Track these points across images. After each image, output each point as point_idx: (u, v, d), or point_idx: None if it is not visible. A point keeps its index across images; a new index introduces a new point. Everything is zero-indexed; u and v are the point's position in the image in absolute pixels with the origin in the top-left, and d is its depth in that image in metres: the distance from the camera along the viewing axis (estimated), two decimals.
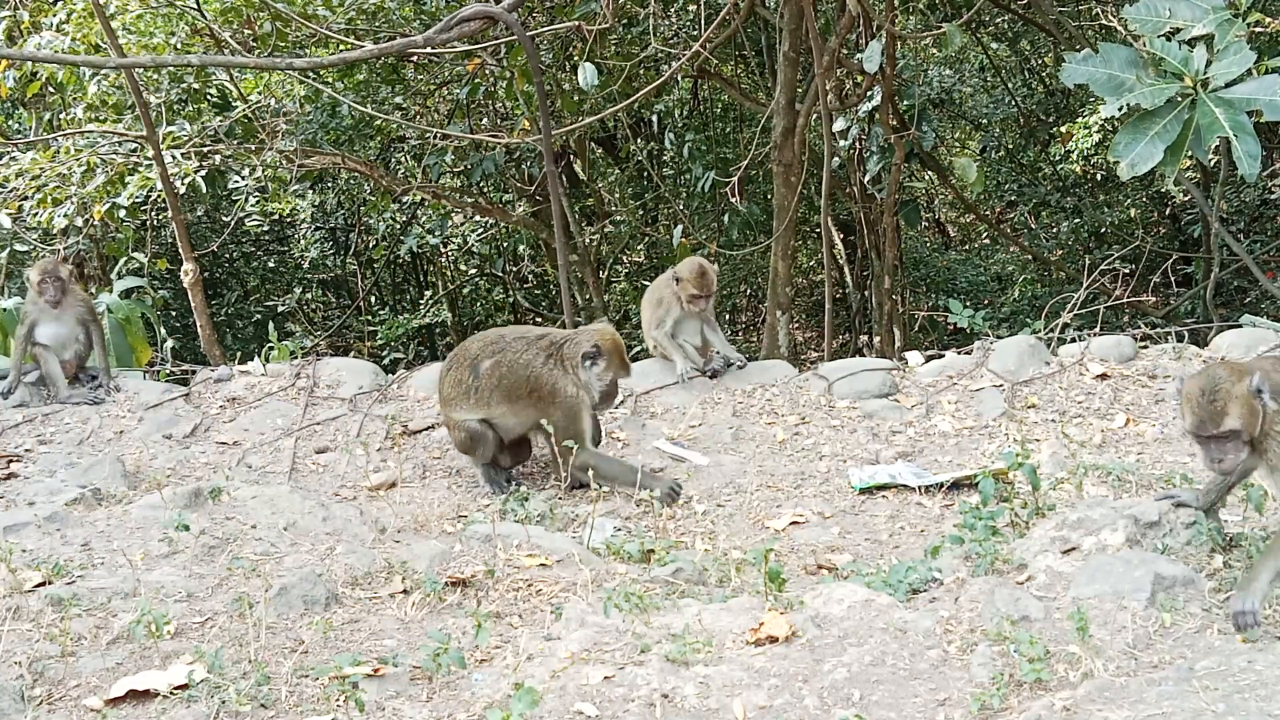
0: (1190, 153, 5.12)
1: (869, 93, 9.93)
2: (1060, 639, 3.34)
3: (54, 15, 9.80)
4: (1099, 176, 11.98)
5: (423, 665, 3.55)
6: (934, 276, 13.20)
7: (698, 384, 6.77)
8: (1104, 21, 8.12)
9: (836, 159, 10.20)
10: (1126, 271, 10.36)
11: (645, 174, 11.97)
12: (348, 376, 7.02)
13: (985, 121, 13.31)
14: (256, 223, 13.06)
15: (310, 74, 9.53)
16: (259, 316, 13.74)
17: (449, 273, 14.35)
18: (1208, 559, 3.79)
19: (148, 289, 9.75)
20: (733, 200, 9.40)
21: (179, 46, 9.53)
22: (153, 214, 10.70)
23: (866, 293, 12.44)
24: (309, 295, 14.76)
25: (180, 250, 9.71)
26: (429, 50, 8.15)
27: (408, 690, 3.47)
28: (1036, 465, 4.46)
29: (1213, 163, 9.51)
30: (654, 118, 12.02)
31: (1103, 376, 6.41)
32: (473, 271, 14.52)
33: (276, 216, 13.20)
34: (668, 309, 6.83)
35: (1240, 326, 7.06)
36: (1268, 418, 3.48)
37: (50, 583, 4.07)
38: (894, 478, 5.65)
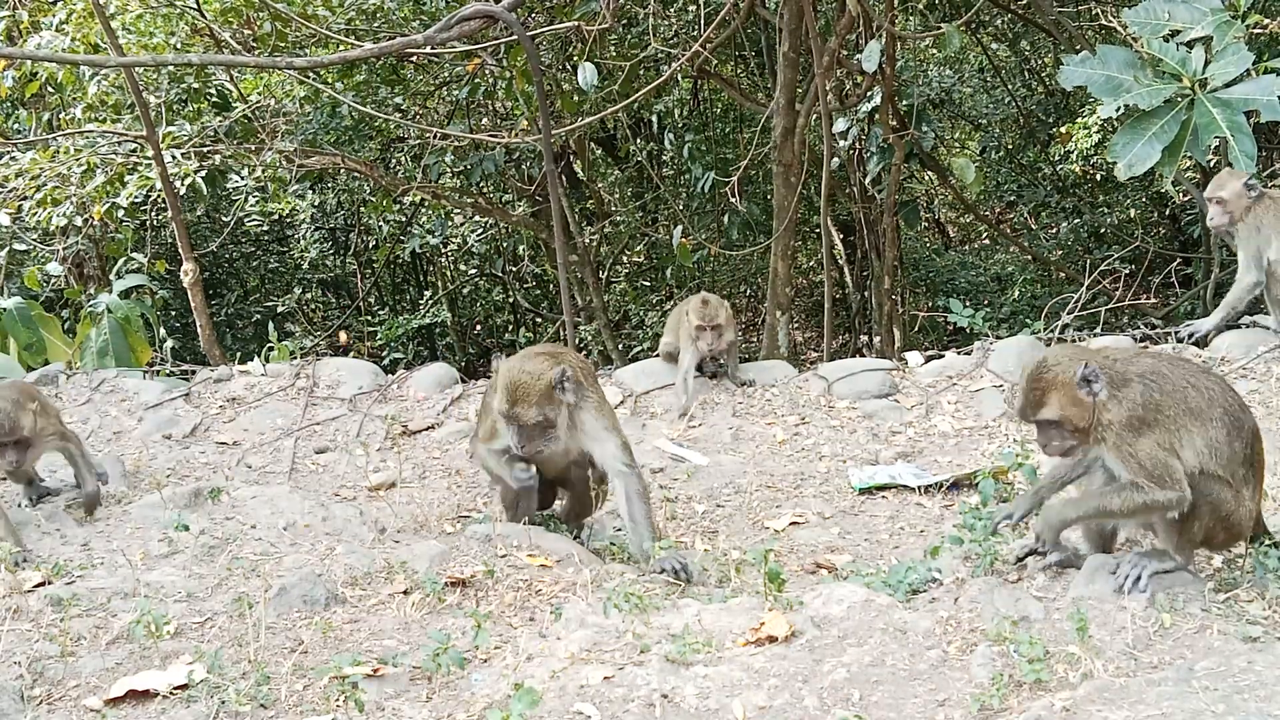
0: (1189, 153, 5.14)
1: (869, 93, 9.93)
2: (1060, 639, 3.35)
3: (54, 15, 9.79)
4: (1099, 177, 11.96)
5: (422, 665, 3.55)
6: (934, 277, 13.20)
7: (698, 384, 6.77)
8: (1104, 22, 8.12)
9: (836, 159, 10.20)
10: (1126, 272, 10.35)
11: (645, 174, 11.97)
12: (347, 377, 7.02)
13: (985, 122, 13.30)
14: (256, 223, 13.06)
15: (310, 74, 9.53)
16: (259, 316, 13.73)
17: (449, 273, 14.34)
18: (1208, 559, 3.79)
19: (148, 289, 9.74)
20: (732, 200, 9.40)
21: (179, 46, 9.53)
22: (152, 214, 10.69)
23: (866, 293, 12.44)
24: (309, 295, 14.75)
25: (180, 250, 9.71)
26: (429, 50, 8.15)
27: (407, 690, 3.48)
28: (1036, 465, 4.46)
29: (1212, 163, 9.51)
30: (654, 118, 12.01)
31: None
32: (472, 272, 14.51)
33: (276, 217, 13.19)
34: (683, 345, 6.74)
35: (1240, 326, 7.06)
36: (1098, 407, 3.41)
37: (50, 583, 4.08)
38: (894, 478, 5.65)
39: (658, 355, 7.18)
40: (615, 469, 4.58)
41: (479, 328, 14.47)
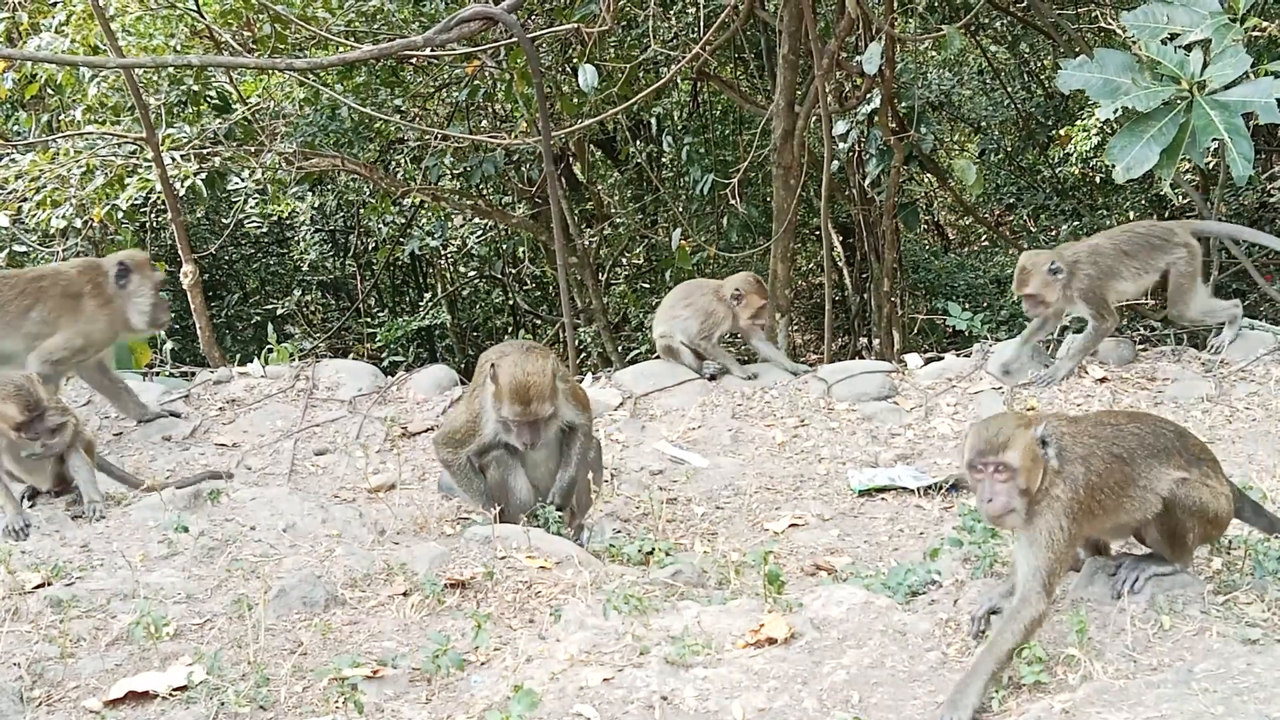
0: (1186, 155, 5.14)
1: (868, 95, 9.94)
2: (1059, 641, 3.35)
3: (53, 16, 9.80)
4: (1098, 179, 11.98)
5: (422, 667, 3.55)
6: (933, 279, 13.20)
7: (698, 386, 6.77)
8: (1103, 25, 8.13)
9: (835, 162, 10.21)
10: None
11: (645, 176, 11.97)
12: (347, 378, 7.02)
13: (984, 124, 13.31)
14: (256, 225, 13.05)
15: (310, 76, 9.53)
16: (258, 318, 13.73)
17: (448, 275, 14.34)
18: (1207, 561, 3.80)
19: None
20: (733, 202, 9.40)
21: (178, 48, 9.53)
22: (152, 216, 10.70)
23: (865, 295, 12.44)
24: (308, 297, 14.75)
25: (180, 252, 9.70)
26: (428, 52, 8.16)
27: (407, 692, 3.48)
28: None
29: (1211, 165, 9.52)
30: (653, 120, 12.02)
31: (1102, 380, 6.41)
32: (472, 274, 14.52)
33: (276, 218, 13.18)
34: (716, 322, 6.87)
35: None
36: (1048, 474, 3.31)
37: (50, 584, 4.08)
38: (893, 480, 5.65)
39: (656, 356, 7.18)
40: (571, 421, 5.03)
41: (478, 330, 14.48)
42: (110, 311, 6.08)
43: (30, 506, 5.01)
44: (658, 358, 7.13)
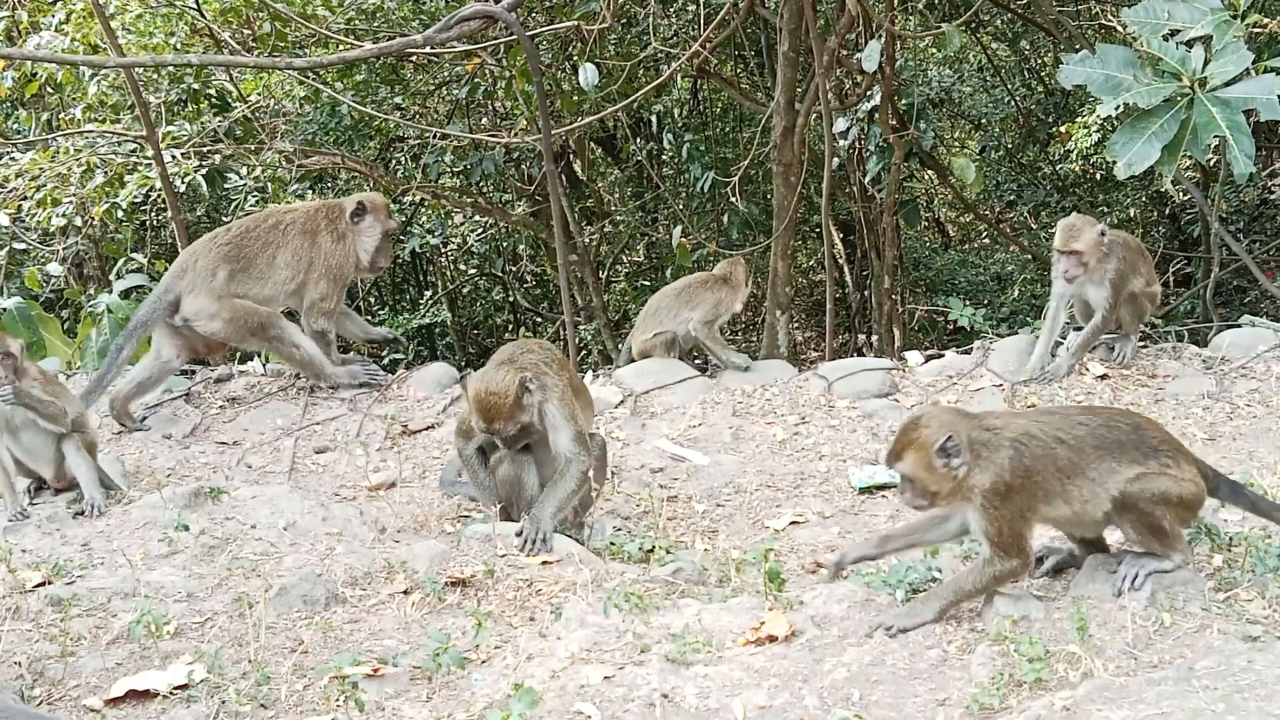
0: (1188, 152, 5.13)
1: (868, 92, 9.93)
2: (1060, 639, 3.35)
3: (53, 15, 9.80)
4: (1098, 176, 11.97)
5: (422, 665, 3.55)
6: (933, 276, 13.19)
7: (698, 383, 6.77)
8: (1103, 21, 8.11)
9: (836, 159, 10.21)
10: None
11: (645, 174, 11.97)
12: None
13: (985, 121, 13.30)
14: None
15: (310, 74, 9.53)
16: None
17: (449, 273, 14.34)
18: (1208, 559, 3.79)
19: (148, 289, 9.72)
20: (733, 200, 9.39)
21: (179, 46, 9.53)
22: (152, 214, 10.69)
23: (866, 292, 12.44)
24: None
25: (179, 250, 9.69)
26: (428, 50, 8.15)
27: (407, 690, 3.48)
28: None
29: (1212, 162, 9.51)
30: (653, 118, 12.01)
31: (1103, 377, 6.41)
32: (472, 271, 14.51)
33: None
34: (726, 308, 6.97)
35: (1240, 326, 7.07)
36: (960, 481, 3.49)
37: (50, 583, 4.08)
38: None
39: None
40: (564, 454, 4.91)
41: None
42: (343, 246, 6.59)
43: (32, 503, 5.01)
44: (655, 346, 7.07)
